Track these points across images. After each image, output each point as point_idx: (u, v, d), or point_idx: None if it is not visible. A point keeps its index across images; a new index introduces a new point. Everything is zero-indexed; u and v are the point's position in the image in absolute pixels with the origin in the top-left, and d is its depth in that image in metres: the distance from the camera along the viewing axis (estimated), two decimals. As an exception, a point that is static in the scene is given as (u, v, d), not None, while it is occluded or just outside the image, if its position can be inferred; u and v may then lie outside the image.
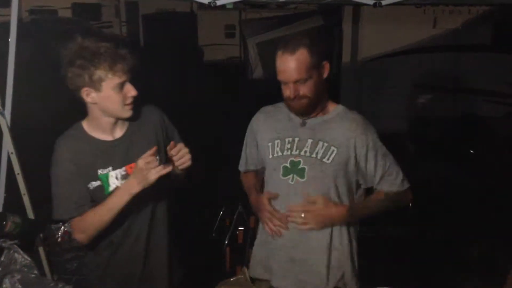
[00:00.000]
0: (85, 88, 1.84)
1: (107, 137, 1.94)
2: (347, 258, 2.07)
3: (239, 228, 3.34)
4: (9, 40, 2.48)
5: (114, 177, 1.92)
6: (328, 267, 2.04)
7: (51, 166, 1.95)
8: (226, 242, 3.39)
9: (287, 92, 1.98)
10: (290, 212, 2.02)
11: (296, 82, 1.95)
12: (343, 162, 2.00)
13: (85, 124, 1.96)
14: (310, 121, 2.05)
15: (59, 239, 3.36)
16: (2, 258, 2.24)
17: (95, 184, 1.92)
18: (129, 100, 1.87)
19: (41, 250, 2.82)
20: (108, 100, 1.85)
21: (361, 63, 7.26)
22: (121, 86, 1.84)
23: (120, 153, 1.93)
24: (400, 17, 6.44)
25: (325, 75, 2.02)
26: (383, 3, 2.33)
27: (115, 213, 1.81)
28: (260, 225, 2.19)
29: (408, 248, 3.99)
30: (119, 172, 1.92)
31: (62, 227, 3.37)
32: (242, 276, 2.22)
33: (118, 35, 19.38)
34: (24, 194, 2.69)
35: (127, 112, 1.89)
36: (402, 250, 3.94)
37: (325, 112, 2.08)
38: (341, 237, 2.05)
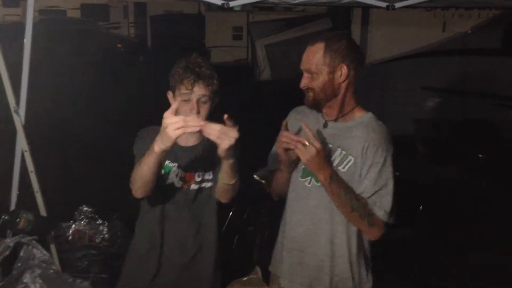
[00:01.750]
0: (169, 91, 2.04)
1: (181, 142, 2.06)
2: (354, 264, 2.05)
3: (249, 228, 3.34)
4: (24, 40, 2.50)
5: (174, 173, 2.06)
6: (332, 272, 2.04)
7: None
8: (235, 241, 3.40)
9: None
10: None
11: (307, 72, 1.98)
12: (357, 172, 1.96)
13: None
14: (332, 125, 2.02)
15: (70, 237, 3.41)
16: (21, 253, 2.27)
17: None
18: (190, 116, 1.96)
19: (52, 247, 2.85)
20: (178, 107, 1.97)
21: (370, 66, 7.24)
22: (189, 99, 1.98)
23: (186, 159, 2.08)
24: (410, 20, 6.42)
25: (341, 78, 1.96)
26: (396, 5, 2.32)
27: (147, 169, 1.88)
28: (280, 227, 2.17)
29: (417, 251, 3.97)
30: (180, 172, 2.07)
31: (73, 226, 3.42)
32: (255, 276, 2.24)
33: (126, 36, 19.50)
34: (37, 192, 2.71)
35: None
36: (410, 253, 3.92)
37: (350, 118, 2.03)
38: (349, 244, 2.03)
